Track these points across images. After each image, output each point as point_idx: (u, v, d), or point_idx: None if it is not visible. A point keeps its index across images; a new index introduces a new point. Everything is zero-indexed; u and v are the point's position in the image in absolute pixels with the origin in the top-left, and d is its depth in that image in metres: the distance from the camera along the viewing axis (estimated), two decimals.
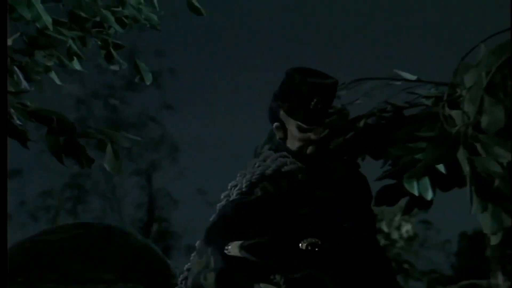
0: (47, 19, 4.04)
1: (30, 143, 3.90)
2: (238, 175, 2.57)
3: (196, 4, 4.41)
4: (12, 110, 3.84)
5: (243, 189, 2.51)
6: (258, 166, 2.51)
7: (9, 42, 4.25)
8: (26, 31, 4.22)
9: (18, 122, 3.75)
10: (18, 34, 4.26)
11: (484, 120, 2.49)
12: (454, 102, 2.63)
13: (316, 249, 2.35)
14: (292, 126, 2.50)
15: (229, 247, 2.37)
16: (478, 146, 2.47)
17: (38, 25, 4.06)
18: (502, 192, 2.43)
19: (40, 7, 4.01)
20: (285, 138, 2.55)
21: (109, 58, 4.54)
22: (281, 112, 2.52)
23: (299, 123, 2.46)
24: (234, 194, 2.55)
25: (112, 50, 4.56)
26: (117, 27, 4.48)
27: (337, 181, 2.52)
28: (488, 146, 2.44)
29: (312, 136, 2.48)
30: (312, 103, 2.44)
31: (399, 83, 3.02)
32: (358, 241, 2.45)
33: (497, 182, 2.43)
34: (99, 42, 4.52)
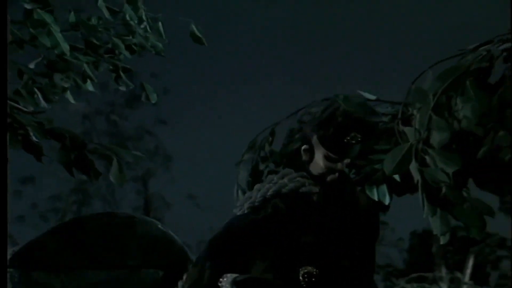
0: (65, 46, 4.02)
1: (45, 162, 3.91)
2: (255, 187, 2.30)
3: (199, 34, 4.39)
4: (29, 128, 3.85)
5: (256, 203, 2.24)
6: (275, 183, 2.23)
7: (32, 65, 4.24)
8: (46, 56, 4.21)
9: (34, 138, 3.75)
10: (40, 58, 4.24)
11: (432, 136, 2.46)
12: (407, 120, 2.59)
13: (313, 279, 2.10)
14: (320, 153, 2.20)
15: (223, 280, 2.12)
16: (427, 158, 2.44)
17: (56, 52, 4.05)
18: (449, 199, 2.40)
19: (59, 36, 3.98)
20: (309, 161, 2.25)
21: (118, 80, 4.53)
22: (314, 138, 2.21)
23: (329, 153, 2.16)
24: (246, 208, 2.27)
25: (121, 73, 4.55)
26: (127, 54, 4.46)
27: (349, 213, 2.25)
28: (435, 159, 2.41)
29: (338, 166, 2.17)
30: (348, 137, 2.14)
31: None
32: (355, 279, 2.20)
33: (444, 190, 2.40)
34: (110, 66, 4.50)
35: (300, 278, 2.12)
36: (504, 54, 2.51)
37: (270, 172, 3.05)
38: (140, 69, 4.73)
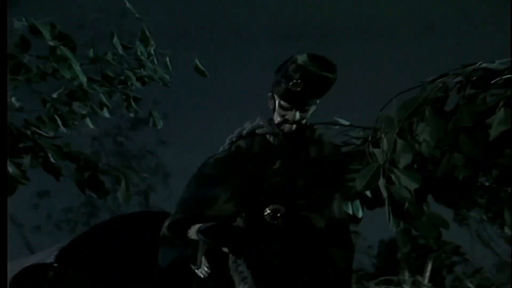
0: (83, 78, 3.98)
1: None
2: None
3: (202, 67, 4.39)
4: (48, 151, 3.81)
5: (225, 147, 2.17)
6: (243, 128, 2.17)
7: (55, 95, 4.21)
8: (68, 86, 4.19)
9: (52, 160, 3.72)
10: (63, 89, 4.22)
11: (397, 157, 2.44)
12: (376, 142, 2.57)
13: (279, 215, 1.97)
14: (277, 100, 2.09)
15: (190, 230, 2.04)
16: (393, 176, 2.41)
17: (76, 83, 4.02)
18: (410, 213, 2.38)
19: (78, 69, 3.95)
20: (273, 110, 2.15)
21: (129, 108, 4.51)
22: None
23: (281, 101, 2.05)
24: (220, 151, 2.19)
25: (132, 102, 4.53)
26: (138, 84, 4.45)
27: (313, 160, 2.15)
28: (400, 177, 2.38)
29: (287, 116, 2.07)
30: (291, 83, 1.98)
31: (337, 127, 2.95)
32: (321, 216, 2.11)
33: (407, 204, 2.37)
34: (123, 96, 4.48)
35: (266, 215, 2.00)
36: (457, 85, 2.50)
37: None
38: (143, 96, 4.71)
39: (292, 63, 2.00)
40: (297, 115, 2.06)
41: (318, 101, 2.20)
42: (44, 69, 3.96)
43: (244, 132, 2.13)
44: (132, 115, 4.57)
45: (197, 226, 2.01)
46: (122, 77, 4.39)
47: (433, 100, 2.46)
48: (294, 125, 2.08)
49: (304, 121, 2.13)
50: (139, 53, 4.37)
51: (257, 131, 2.12)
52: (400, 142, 2.43)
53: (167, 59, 4.50)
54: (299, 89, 1.99)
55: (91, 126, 4.28)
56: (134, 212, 2.66)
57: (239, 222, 2.02)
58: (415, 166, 2.45)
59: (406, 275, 14.57)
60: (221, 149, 2.18)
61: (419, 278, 14.05)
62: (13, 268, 2.27)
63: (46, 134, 3.90)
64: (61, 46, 3.90)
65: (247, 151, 2.09)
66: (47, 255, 2.27)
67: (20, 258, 2.62)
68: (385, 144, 2.47)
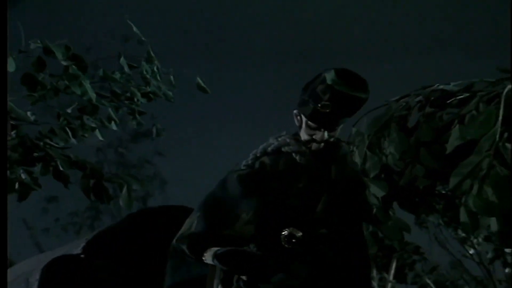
0: (92, 95, 3.91)
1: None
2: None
3: (203, 85, 4.31)
4: (58, 160, 3.74)
5: (248, 162, 1.85)
6: (268, 144, 1.87)
7: (69, 110, 4.14)
8: (80, 102, 4.12)
9: (61, 168, 3.63)
10: (75, 104, 4.15)
11: (367, 168, 2.41)
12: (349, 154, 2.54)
13: (294, 241, 1.70)
14: (304, 118, 1.79)
15: (206, 254, 1.75)
16: None
17: (85, 98, 3.94)
18: (378, 218, 2.32)
19: (88, 86, 3.88)
20: (300, 127, 1.83)
21: (134, 121, 4.44)
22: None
23: (308, 121, 1.76)
24: (241, 166, 1.87)
25: (137, 115, 4.45)
26: (143, 100, 4.37)
27: (335, 181, 1.83)
28: (369, 186, 2.33)
29: (315, 136, 1.76)
30: (320, 104, 1.70)
31: None
32: (342, 242, 1.80)
33: (375, 210, 2.31)
34: (129, 110, 4.40)
35: (282, 238, 1.73)
36: (418, 104, 2.49)
37: None
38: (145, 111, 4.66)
39: (320, 83, 1.72)
40: (326, 134, 1.76)
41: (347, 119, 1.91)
42: (57, 86, 3.89)
43: (270, 148, 1.84)
44: (135, 127, 4.51)
45: (214, 249, 1.74)
46: (128, 94, 4.31)
47: (397, 117, 2.45)
48: (322, 144, 1.79)
49: (332, 139, 1.83)
50: (144, 72, 4.29)
51: (283, 149, 1.82)
52: (369, 154, 2.41)
53: (171, 77, 4.42)
54: (328, 110, 1.71)
55: (100, 138, 4.21)
56: (157, 206, 2.49)
57: (252, 248, 1.78)
58: (383, 176, 2.44)
59: (374, 272, 14.61)
60: (243, 163, 1.87)
61: (385, 275, 14.08)
62: (44, 259, 2.19)
63: (56, 145, 3.83)
64: (73, 66, 3.84)
65: (271, 168, 1.81)
66: (74, 247, 2.18)
67: (48, 251, 2.54)
68: (356, 156, 2.45)
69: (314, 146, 1.78)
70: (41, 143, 3.79)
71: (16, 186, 3.67)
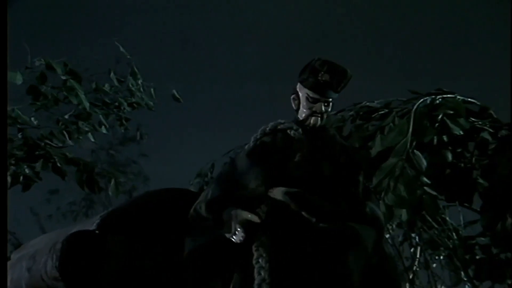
0: (86, 104, 3.92)
1: (65, 180, 3.87)
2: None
3: (178, 96, 4.39)
4: (56, 158, 3.79)
5: (251, 144, 1.81)
6: (266, 126, 1.83)
7: (66, 116, 4.14)
8: (76, 110, 4.13)
9: (59, 165, 3.68)
10: (72, 111, 4.16)
11: None
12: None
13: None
14: (303, 96, 1.76)
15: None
16: None
17: (80, 107, 3.97)
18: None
19: (82, 97, 3.89)
20: (297, 109, 1.78)
21: (121, 126, 4.47)
22: (298, 84, 1.78)
23: (307, 90, 1.73)
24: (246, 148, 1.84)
25: (124, 121, 4.48)
26: (129, 109, 4.39)
27: (333, 154, 1.78)
28: None
29: (315, 108, 1.73)
30: (320, 74, 1.71)
31: None
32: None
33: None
34: (117, 117, 4.43)
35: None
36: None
37: None
38: (132, 119, 4.69)
39: (317, 61, 1.75)
40: (323, 107, 1.74)
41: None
42: (57, 96, 3.90)
43: (268, 128, 1.80)
44: (123, 131, 4.54)
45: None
46: (117, 103, 4.34)
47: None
48: (319, 118, 1.75)
49: (325, 116, 1.78)
50: (130, 85, 4.34)
51: (279, 127, 1.79)
52: None
53: (152, 90, 4.48)
54: (327, 79, 1.71)
55: (92, 140, 4.19)
56: (163, 188, 2.31)
57: (263, 208, 1.65)
58: None
59: None
60: (247, 147, 1.82)
61: None
62: (63, 233, 2.06)
63: (55, 145, 3.86)
64: (71, 80, 3.85)
65: (271, 144, 1.76)
66: (89, 223, 2.06)
67: (65, 226, 2.39)
68: None
69: (313, 120, 1.75)
70: (42, 143, 3.80)
71: (21, 179, 3.69)
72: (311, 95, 1.74)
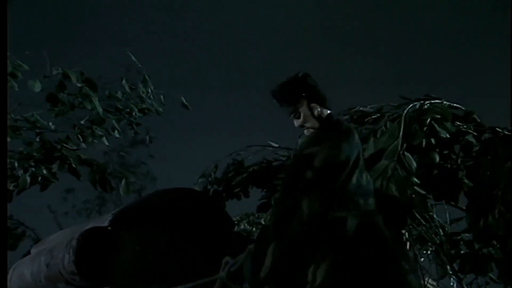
0: (100, 109, 3.93)
1: (80, 180, 3.88)
2: None
3: (186, 103, 4.40)
4: (71, 159, 3.79)
5: None
6: None
7: (82, 122, 4.13)
8: (91, 116, 4.13)
9: (74, 165, 3.68)
10: (88, 116, 4.15)
11: None
12: None
13: None
14: (305, 107, 1.74)
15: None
16: None
17: (94, 112, 3.97)
18: None
19: (96, 103, 3.91)
20: (302, 123, 1.75)
21: (132, 130, 4.47)
22: (301, 100, 1.73)
23: (312, 103, 1.72)
24: None
25: (134, 126, 4.47)
26: (139, 114, 4.40)
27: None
28: None
29: (320, 111, 1.71)
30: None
31: (270, 148, 2.93)
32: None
33: None
34: (128, 122, 4.42)
35: None
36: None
37: (214, 191, 2.87)
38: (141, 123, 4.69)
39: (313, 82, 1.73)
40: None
41: None
42: (73, 102, 3.89)
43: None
44: (133, 135, 4.55)
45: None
46: (128, 109, 4.34)
47: None
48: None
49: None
50: (141, 92, 4.34)
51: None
52: None
53: (161, 96, 4.49)
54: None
55: (107, 143, 4.21)
56: (170, 188, 2.33)
57: None
58: None
59: None
60: None
61: None
62: (78, 229, 2.07)
63: (70, 148, 3.86)
64: (86, 87, 3.85)
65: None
66: (102, 220, 2.06)
67: (80, 223, 2.37)
68: None
69: (314, 123, 1.71)
70: (59, 146, 3.81)
71: (39, 179, 3.68)
72: (314, 104, 1.71)
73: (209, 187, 2.99)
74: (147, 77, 4.28)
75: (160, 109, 4.45)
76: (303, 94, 1.71)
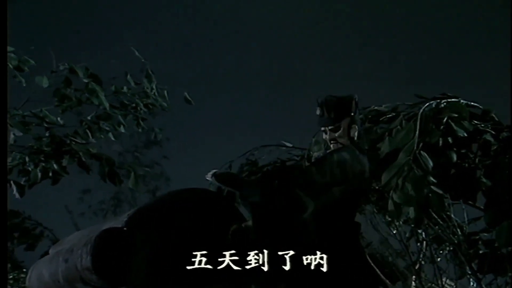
0: (106, 104, 4.11)
1: (94, 177, 4.06)
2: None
3: (189, 98, 4.56)
4: (81, 153, 3.97)
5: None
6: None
7: (89, 117, 4.31)
8: (98, 111, 4.30)
9: (83, 159, 3.86)
10: (95, 112, 4.33)
11: None
12: (309, 159, 2.65)
13: None
14: (347, 125, 2.00)
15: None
16: None
17: (101, 107, 4.13)
18: None
19: (103, 98, 4.07)
20: (341, 136, 2.00)
21: (138, 126, 4.63)
22: (345, 120, 1.98)
23: (350, 124, 1.97)
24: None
25: (140, 121, 4.63)
26: (145, 109, 4.57)
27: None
28: None
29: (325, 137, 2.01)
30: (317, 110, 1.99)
31: (284, 148, 3.02)
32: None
33: None
34: (134, 117, 4.58)
35: None
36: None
37: (228, 191, 2.73)
38: (154, 124, 4.86)
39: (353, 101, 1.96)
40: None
41: None
42: (80, 98, 4.06)
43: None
44: (140, 130, 4.72)
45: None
46: (134, 104, 4.50)
47: None
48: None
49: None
50: (145, 88, 4.50)
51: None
52: None
53: (165, 92, 4.64)
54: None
55: (113, 138, 4.39)
56: (184, 188, 2.31)
57: None
58: None
59: None
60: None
61: None
62: (95, 230, 2.14)
63: (80, 142, 4.03)
64: (92, 82, 4.01)
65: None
66: (118, 221, 2.13)
67: (96, 223, 2.42)
68: (315, 160, 2.45)
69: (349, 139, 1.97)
70: (68, 140, 3.99)
71: (50, 174, 3.89)
72: (350, 125, 1.97)
73: (223, 187, 3.05)
74: (150, 72, 4.44)
75: (165, 104, 4.62)
76: (352, 114, 1.96)
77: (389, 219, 3.22)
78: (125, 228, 2.06)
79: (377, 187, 2.63)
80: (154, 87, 4.53)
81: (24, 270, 5.23)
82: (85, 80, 3.96)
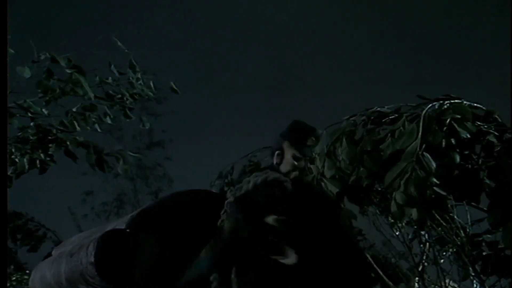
0: (91, 94, 4.39)
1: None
2: (244, 180, 1.83)
3: (175, 87, 4.86)
4: (68, 142, 4.26)
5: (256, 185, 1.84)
6: (260, 175, 1.83)
7: (74, 109, 4.58)
8: (83, 102, 4.57)
9: (70, 148, 4.17)
10: (80, 104, 4.60)
11: (325, 171, 2.69)
12: (312, 160, 2.76)
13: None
14: (289, 154, 2.08)
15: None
16: (323, 183, 2.71)
17: (86, 97, 4.41)
18: None
19: (88, 88, 4.35)
20: (280, 163, 2.09)
21: (126, 116, 4.92)
22: (285, 144, 2.10)
23: (295, 151, 2.06)
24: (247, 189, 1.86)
25: (127, 111, 4.91)
26: (130, 99, 4.85)
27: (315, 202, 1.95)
28: (327, 184, 2.67)
29: (299, 164, 2.07)
30: (308, 141, 2.09)
31: None
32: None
33: None
34: (121, 107, 4.86)
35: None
36: (363, 122, 2.78)
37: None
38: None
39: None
40: (303, 163, 2.08)
41: None
42: (64, 88, 4.33)
43: (269, 178, 1.83)
44: (127, 120, 5.00)
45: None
46: (119, 95, 4.77)
47: (348, 132, 2.75)
48: (298, 172, 2.08)
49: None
50: (130, 78, 4.79)
51: (278, 179, 1.81)
52: (327, 160, 2.69)
53: (151, 82, 4.94)
54: (312, 143, 2.10)
55: (99, 130, 4.67)
56: (187, 189, 2.54)
57: None
58: (337, 176, 2.71)
59: None
60: (245, 188, 1.86)
61: None
62: (97, 231, 2.28)
63: (66, 130, 4.33)
64: (75, 73, 4.28)
65: (272, 197, 1.80)
66: (121, 223, 2.22)
67: (99, 225, 2.54)
68: (318, 162, 2.73)
69: (294, 174, 2.06)
70: (54, 130, 4.28)
71: (37, 163, 4.18)
72: (297, 155, 2.08)
73: (225, 188, 3.27)
74: (133, 62, 4.72)
75: (151, 93, 4.90)
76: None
77: (392, 220, 3.42)
78: (128, 230, 2.18)
79: (379, 189, 2.83)
80: (139, 76, 4.81)
81: (27, 271, 5.50)
82: (69, 71, 4.22)
